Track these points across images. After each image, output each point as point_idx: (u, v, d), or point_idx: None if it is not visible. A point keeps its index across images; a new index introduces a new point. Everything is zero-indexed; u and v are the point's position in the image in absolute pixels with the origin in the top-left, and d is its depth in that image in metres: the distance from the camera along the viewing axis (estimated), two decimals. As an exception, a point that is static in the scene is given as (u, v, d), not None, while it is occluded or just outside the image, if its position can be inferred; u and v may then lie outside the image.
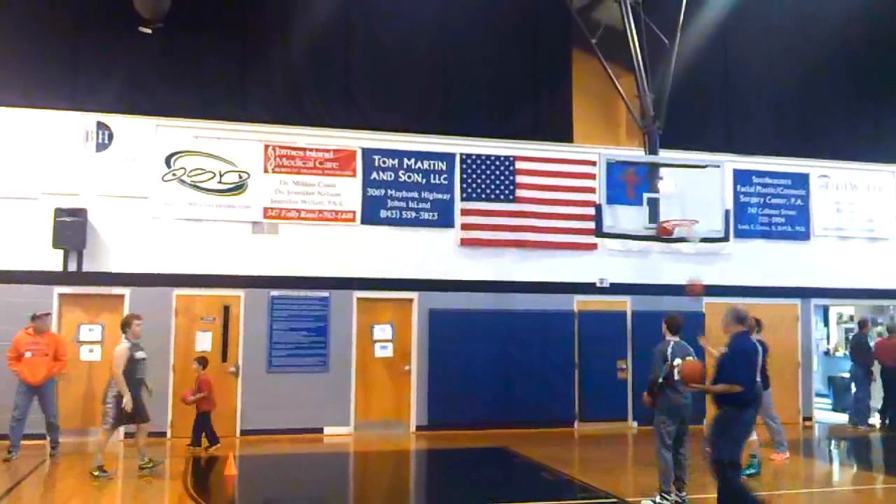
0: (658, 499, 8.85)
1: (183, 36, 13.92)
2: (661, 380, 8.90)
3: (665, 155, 15.50)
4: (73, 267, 13.13)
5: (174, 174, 13.80)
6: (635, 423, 14.91)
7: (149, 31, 13.50)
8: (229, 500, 9.78)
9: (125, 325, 10.63)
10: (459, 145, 15.07)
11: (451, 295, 14.62)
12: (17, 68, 13.32)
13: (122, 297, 13.36)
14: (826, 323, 20.08)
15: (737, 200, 16.31)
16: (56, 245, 12.92)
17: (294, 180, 14.28)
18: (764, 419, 10.83)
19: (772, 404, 11.42)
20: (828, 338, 20.03)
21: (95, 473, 10.13)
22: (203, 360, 12.85)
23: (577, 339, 15.09)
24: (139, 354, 10.55)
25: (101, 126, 13.60)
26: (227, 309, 13.79)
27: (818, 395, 16.94)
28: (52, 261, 13.04)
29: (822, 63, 16.77)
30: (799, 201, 16.73)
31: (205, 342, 13.65)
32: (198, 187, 13.87)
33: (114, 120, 13.64)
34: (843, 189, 16.96)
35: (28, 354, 11.45)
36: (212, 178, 13.94)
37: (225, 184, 13.99)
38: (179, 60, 13.98)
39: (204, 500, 9.15)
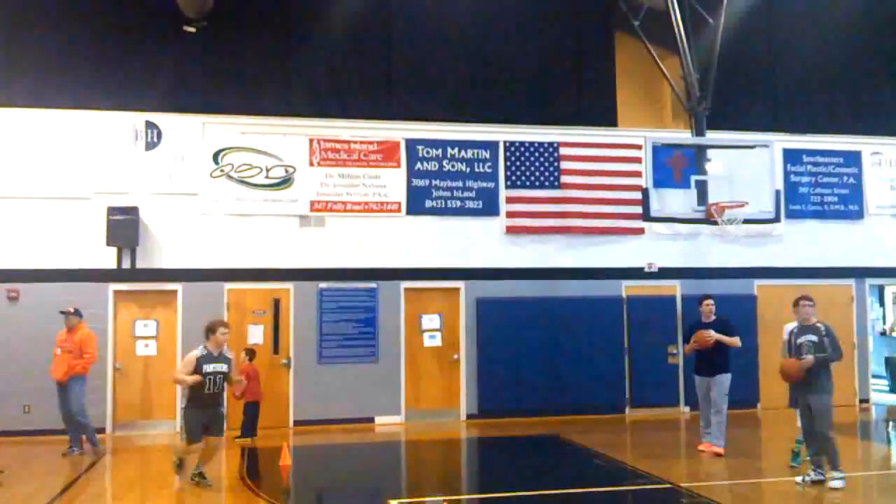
0: (838, 475, 8.90)
1: (226, 33, 14.13)
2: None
3: (712, 136, 15.31)
4: (126, 264, 13.41)
5: (222, 170, 13.99)
6: (687, 409, 14.78)
7: (193, 29, 13.75)
8: (284, 489, 9.92)
9: (209, 330, 9.45)
10: (503, 133, 15.03)
11: (497, 283, 14.63)
12: (66, 71, 13.62)
13: (175, 292, 13.62)
14: (882, 303, 19.67)
15: (787, 180, 16.02)
16: (110, 243, 13.22)
17: (339, 173, 14.39)
18: None
19: None
20: (883, 318, 19.61)
21: (194, 479, 9.44)
22: (250, 352, 13.08)
23: (626, 325, 15.00)
24: (210, 367, 9.26)
25: (149, 125, 13.84)
26: (276, 302, 13.97)
27: (874, 376, 16.60)
28: (107, 258, 13.34)
29: (872, 36, 16.40)
30: (851, 179, 16.38)
31: (256, 335, 13.86)
32: (245, 182, 14.05)
33: (162, 119, 13.87)
34: (896, 166, 16.57)
35: (58, 352, 11.44)
36: (259, 173, 14.11)
37: (272, 178, 14.15)
38: (224, 58, 14.17)
39: (259, 490, 9.29)
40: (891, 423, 14.53)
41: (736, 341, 10.95)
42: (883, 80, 16.51)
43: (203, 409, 9.31)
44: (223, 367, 9.35)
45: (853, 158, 16.42)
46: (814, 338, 9.06)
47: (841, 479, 8.90)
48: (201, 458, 9.51)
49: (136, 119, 13.80)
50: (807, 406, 9.13)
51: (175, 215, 13.76)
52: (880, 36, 16.42)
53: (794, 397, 9.92)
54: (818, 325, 9.28)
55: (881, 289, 19.10)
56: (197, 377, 9.12)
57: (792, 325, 9.94)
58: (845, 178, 16.35)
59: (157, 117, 13.87)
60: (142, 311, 13.64)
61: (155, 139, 13.89)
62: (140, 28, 13.96)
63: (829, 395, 9.10)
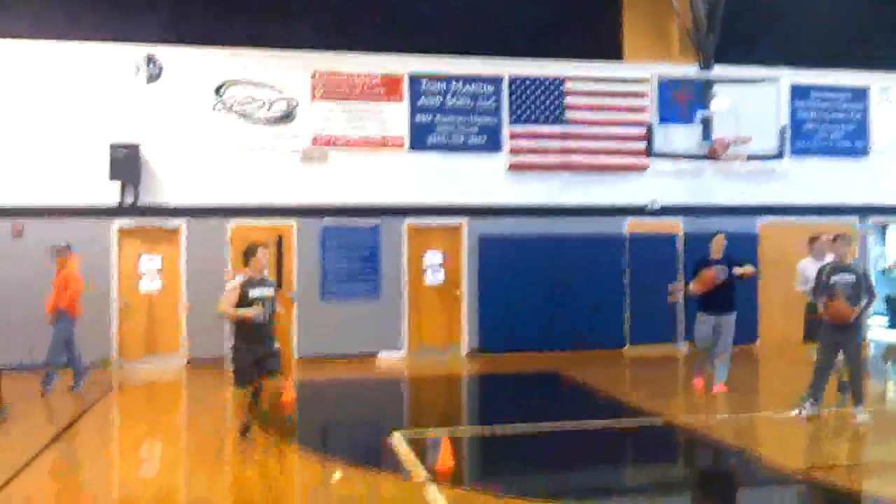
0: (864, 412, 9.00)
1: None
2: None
3: (719, 71, 15.15)
4: (129, 201, 13.40)
5: (224, 104, 13.89)
6: (685, 346, 14.91)
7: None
8: (288, 423, 10.09)
9: (248, 253, 8.37)
10: (507, 67, 14.84)
11: (500, 221, 14.64)
12: (66, 2, 13.41)
13: (178, 228, 13.66)
14: (884, 241, 19.63)
15: (793, 116, 15.87)
16: (112, 178, 13.17)
17: (341, 107, 14.28)
18: None
19: None
20: (885, 256, 19.60)
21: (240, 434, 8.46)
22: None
23: (628, 263, 15.03)
24: (256, 292, 8.19)
25: (150, 58, 13.69)
26: (280, 239, 14.00)
27: (874, 313, 16.68)
28: (110, 195, 13.32)
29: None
30: (858, 116, 16.21)
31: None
32: (247, 116, 13.96)
33: (163, 51, 13.71)
34: (905, 102, 16.37)
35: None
36: (261, 106, 14.00)
37: (274, 112, 14.06)
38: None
39: (262, 424, 9.45)
40: (889, 362, 14.65)
41: (749, 269, 10.89)
42: (890, 14, 16.17)
43: (256, 345, 8.20)
44: (270, 291, 8.32)
45: (861, 94, 16.23)
46: (851, 278, 9.00)
47: (868, 414, 8.96)
48: (244, 411, 8.41)
49: (137, 51, 13.64)
50: (835, 344, 9.12)
51: (177, 151, 13.70)
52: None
53: (810, 332, 9.96)
54: (854, 265, 9.21)
55: (884, 227, 19.03)
56: (258, 309, 8.05)
57: (809, 261, 9.93)
58: (852, 113, 16.19)
59: (158, 49, 13.71)
60: (145, 246, 13.69)
61: (156, 72, 13.75)
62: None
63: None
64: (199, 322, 13.39)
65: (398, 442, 8.41)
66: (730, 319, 10.79)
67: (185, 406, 11.49)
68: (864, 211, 15.99)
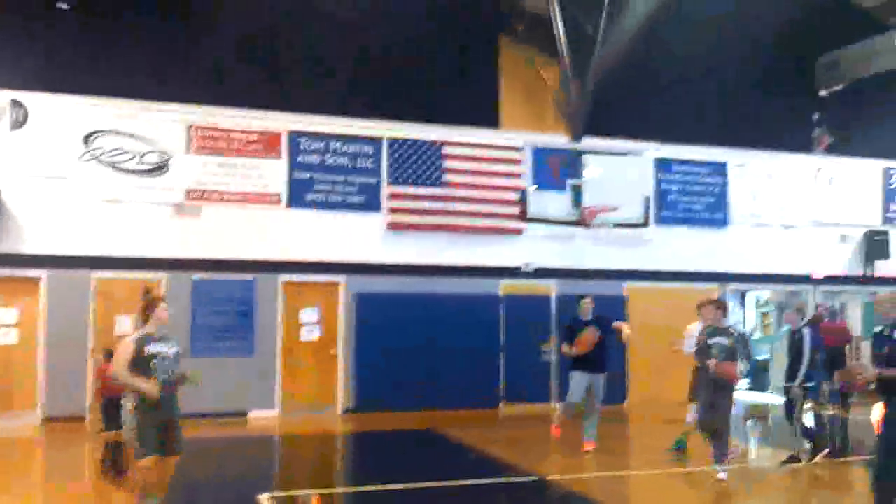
0: (722, 468, 9.21)
1: (102, 12, 13.57)
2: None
3: (589, 142, 15.83)
4: (-14, 248, 12.70)
5: (93, 154, 13.45)
6: (558, 405, 15.13)
7: (66, 6, 13.16)
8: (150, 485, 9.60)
9: (147, 307, 7.20)
10: (387, 129, 15.04)
11: (378, 279, 14.64)
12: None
13: (38, 279, 13.00)
14: (743, 306, 20.71)
15: (658, 187, 16.68)
16: (-31, 225, 12.49)
17: (217, 161, 14.06)
18: None
19: None
20: (744, 321, 20.66)
21: None
22: (109, 353, 12.55)
23: (503, 323, 15.28)
24: (154, 348, 6.96)
25: (15, 104, 13.16)
26: (148, 292, 13.47)
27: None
28: (-36, 242, 12.61)
29: (741, 56, 17.22)
30: (717, 189, 17.20)
31: (125, 326, 13.34)
32: (118, 168, 13.55)
33: (29, 97, 13.21)
34: (759, 177, 17.48)
35: None
36: (132, 158, 13.62)
37: (146, 164, 13.70)
38: (99, 37, 13.60)
39: (124, 484, 8.99)
40: (748, 422, 15.27)
41: (627, 330, 11.13)
42: (749, 96, 17.37)
43: (158, 409, 6.92)
44: (173, 349, 7.12)
45: (720, 169, 17.25)
46: (725, 341, 9.33)
47: (724, 471, 9.24)
48: (147, 484, 7.00)
49: (2, 96, 13.09)
50: (710, 403, 9.43)
51: (41, 199, 13.12)
52: (749, 53, 17.25)
53: (696, 391, 10.33)
54: (729, 328, 9.64)
55: (743, 294, 20.12)
56: (154, 388, 6.81)
57: (697, 325, 10.35)
58: (712, 187, 17.15)
59: (25, 95, 13.20)
60: (3, 298, 12.94)
61: (22, 118, 13.22)
62: (9, 1, 13.24)
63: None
64: (58, 378, 12.69)
65: (266, 503, 8.14)
66: (601, 378, 11.02)
67: (44, 467, 10.78)
68: (724, 277, 16.84)
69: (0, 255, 12.77)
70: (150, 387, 6.77)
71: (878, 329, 7.26)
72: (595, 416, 11.06)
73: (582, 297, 11.44)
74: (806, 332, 10.51)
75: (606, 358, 11.08)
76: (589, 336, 10.86)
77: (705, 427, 9.45)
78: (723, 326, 9.57)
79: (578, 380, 11.02)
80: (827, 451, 10.45)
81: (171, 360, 7.06)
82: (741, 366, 9.34)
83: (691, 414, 10.57)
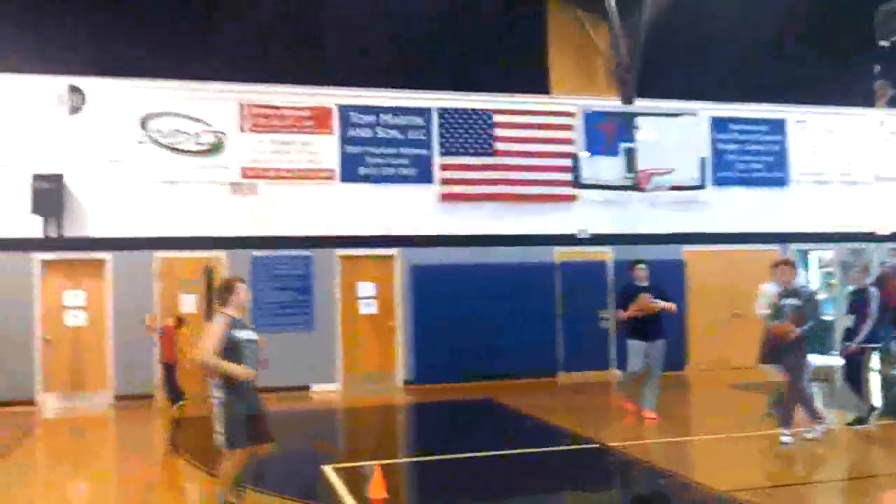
0: (820, 427, 9.21)
1: (153, -4, 13.75)
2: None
3: (641, 104, 15.59)
4: (52, 233, 13.06)
5: (149, 136, 13.70)
6: (618, 371, 15.11)
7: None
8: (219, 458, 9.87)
9: (227, 289, 6.94)
10: (436, 100, 15.01)
11: (432, 250, 14.70)
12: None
13: (103, 261, 13.36)
14: (806, 268, 20.30)
15: (714, 148, 16.38)
16: (34, 211, 12.84)
17: (271, 139, 14.23)
18: None
19: None
20: (807, 282, 20.25)
21: None
22: (179, 319, 12.89)
23: (560, 291, 15.23)
24: (243, 334, 6.76)
25: (73, 89, 13.46)
26: (209, 270, 13.80)
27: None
28: (32, 228, 12.97)
29: (797, 8, 16.71)
30: (776, 147, 16.82)
31: (189, 304, 13.69)
32: (174, 149, 13.79)
33: (86, 82, 13.49)
34: (819, 133, 17.05)
35: None
36: (188, 139, 13.86)
37: (201, 144, 13.92)
38: (151, 20, 13.76)
39: (193, 459, 9.25)
40: (813, 385, 15.02)
41: (674, 307, 10.95)
42: (807, 50, 16.88)
43: (251, 399, 6.76)
44: (255, 335, 6.91)
45: (778, 126, 16.87)
46: (797, 302, 9.24)
47: (822, 429, 9.21)
48: (235, 475, 6.85)
49: (59, 83, 13.40)
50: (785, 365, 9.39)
51: (102, 182, 13.44)
52: (805, 8, 16.75)
53: (768, 355, 10.21)
54: (801, 289, 9.53)
55: (805, 254, 19.70)
56: (251, 371, 6.71)
57: (770, 285, 10.25)
58: (770, 145, 16.79)
59: (82, 81, 13.49)
60: (70, 280, 13.35)
61: (79, 103, 13.51)
62: (63, -12, 13.50)
63: (802, 356, 9.31)
64: (127, 357, 13.08)
65: (332, 474, 8.31)
66: (659, 346, 10.90)
67: (116, 446, 11.16)
68: (784, 238, 16.52)
69: (66, 239, 13.13)
70: (244, 370, 6.59)
71: None
72: (655, 385, 10.98)
73: (637, 262, 11.28)
74: (872, 290, 10.31)
75: (662, 325, 10.93)
76: (643, 301, 10.75)
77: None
78: (794, 287, 9.45)
79: (636, 349, 10.95)
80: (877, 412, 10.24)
81: (256, 346, 6.86)
82: (805, 325, 9.17)
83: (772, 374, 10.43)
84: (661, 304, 10.76)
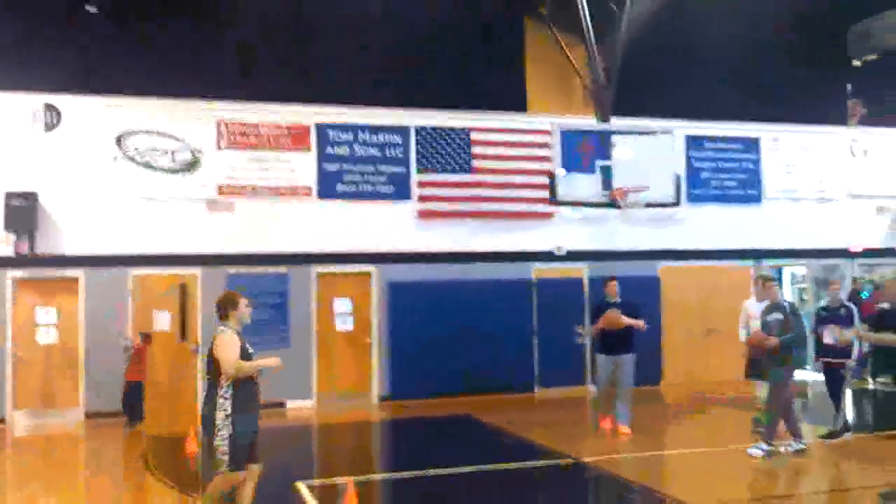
0: (796, 444, 9.32)
1: (130, 13, 13.78)
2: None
3: (617, 122, 15.71)
4: (25, 250, 12.95)
5: (125, 154, 13.65)
6: (593, 387, 15.10)
7: (95, 9, 13.34)
8: (191, 476, 9.79)
9: (228, 304, 6.84)
10: (414, 117, 15.07)
11: (409, 267, 14.70)
12: (-42, 49, 13.08)
13: (76, 279, 13.26)
14: (780, 284, 20.47)
15: (689, 166, 16.52)
16: (7, 228, 12.75)
17: (248, 156, 14.21)
18: None
19: None
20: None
21: None
22: (146, 336, 12.87)
23: (536, 307, 15.27)
24: (249, 347, 6.76)
25: (48, 107, 13.41)
26: (183, 288, 13.73)
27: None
28: (4, 245, 12.86)
29: (770, 29, 16.95)
30: (751, 165, 16.99)
31: (162, 321, 13.60)
32: (150, 166, 13.74)
33: (62, 100, 13.45)
34: (793, 151, 17.24)
35: None
36: (164, 156, 13.82)
37: (178, 162, 13.88)
38: (128, 38, 13.81)
39: (167, 479, 9.17)
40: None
41: (642, 324, 11.02)
42: (781, 70, 17.12)
43: (255, 413, 6.64)
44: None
45: (752, 145, 17.04)
46: (780, 316, 9.37)
47: (763, 451, 9.25)
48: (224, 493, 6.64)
49: (35, 100, 13.34)
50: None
51: (77, 200, 13.37)
52: (779, 27, 16.98)
53: (753, 370, 10.48)
54: (784, 303, 9.64)
55: (780, 270, 19.87)
56: (278, 361, 6.85)
57: (753, 301, 10.52)
58: (744, 163, 16.95)
59: (57, 98, 13.45)
60: (42, 298, 13.22)
61: (54, 121, 13.46)
62: (40, 7, 13.46)
63: (788, 370, 9.44)
64: (99, 375, 12.97)
65: (304, 490, 8.27)
66: (627, 360, 10.98)
67: (86, 464, 11.04)
68: (759, 254, 16.66)
69: (39, 257, 13.03)
70: (275, 360, 6.72)
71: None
72: (626, 399, 11.05)
73: (609, 279, 11.51)
74: (852, 306, 10.49)
75: (631, 339, 11.02)
76: (611, 316, 10.84)
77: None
78: (778, 302, 9.55)
79: (602, 362, 11.20)
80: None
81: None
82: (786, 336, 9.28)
83: (760, 390, 10.55)
84: (627, 320, 10.84)
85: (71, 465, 10.53)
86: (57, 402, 13.14)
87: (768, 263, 17.02)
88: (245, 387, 6.50)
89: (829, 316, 10.48)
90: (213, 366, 6.53)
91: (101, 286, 13.22)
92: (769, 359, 9.46)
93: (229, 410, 6.41)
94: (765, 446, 9.27)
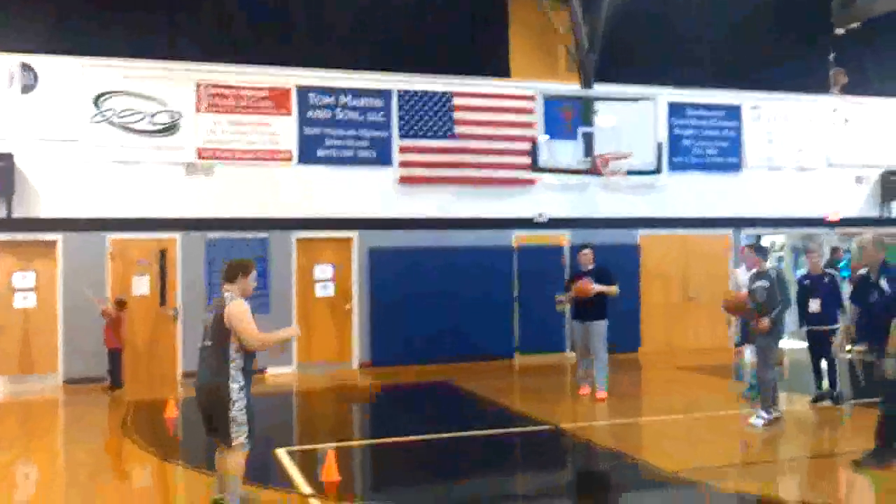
0: (767, 414, 9.31)
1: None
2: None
3: (600, 89, 15.66)
4: (2, 213, 12.81)
5: (103, 115, 13.46)
6: (572, 354, 15.19)
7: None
8: (170, 441, 9.82)
9: (241, 269, 6.55)
10: (396, 81, 14.94)
11: (390, 233, 14.67)
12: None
13: (54, 242, 13.14)
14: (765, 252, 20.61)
15: (671, 133, 16.51)
16: (-17, 191, 12.60)
17: (228, 119, 14.05)
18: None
19: None
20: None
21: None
22: (120, 302, 12.80)
23: (517, 274, 15.31)
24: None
25: (25, 67, 13.17)
26: (163, 253, 13.65)
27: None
28: (-20, 208, 12.73)
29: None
30: (732, 133, 17.00)
31: (142, 286, 13.54)
32: (128, 128, 13.57)
33: (39, 60, 13.21)
34: (774, 120, 17.26)
35: None
36: (143, 118, 13.64)
37: (157, 124, 13.71)
38: (105, -2, 13.56)
39: (145, 443, 9.18)
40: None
41: (613, 290, 11.13)
42: (763, 37, 17.09)
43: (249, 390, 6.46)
44: None
45: (734, 113, 17.04)
46: (766, 283, 9.46)
47: (765, 419, 9.29)
48: (226, 470, 6.48)
49: (11, 60, 13.09)
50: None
51: (54, 162, 13.20)
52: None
53: (744, 335, 10.66)
54: (770, 271, 9.70)
55: (758, 238, 19.99)
56: (297, 329, 6.99)
57: (743, 269, 10.70)
58: (726, 131, 16.97)
59: (34, 59, 13.21)
60: (19, 262, 13.10)
61: (31, 82, 13.23)
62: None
63: (774, 338, 9.48)
64: (77, 340, 12.91)
65: (285, 457, 8.31)
66: (599, 326, 11.14)
67: (64, 429, 11.02)
68: (738, 222, 16.74)
69: (16, 220, 12.90)
70: (294, 329, 6.84)
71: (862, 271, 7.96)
72: (602, 366, 11.20)
73: (582, 246, 11.75)
74: (835, 273, 10.60)
75: (603, 306, 11.18)
76: (581, 285, 10.98)
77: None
78: (764, 270, 9.65)
79: (577, 329, 11.51)
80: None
81: None
82: (774, 310, 9.39)
83: (748, 355, 10.80)
84: (598, 287, 10.97)
85: (48, 431, 10.50)
86: (35, 367, 13.08)
87: (747, 231, 17.12)
88: (250, 357, 6.37)
89: (811, 285, 10.58)
90: (222, 334, 6.25)
91: (80, 250, 13.12)
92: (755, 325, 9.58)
93: (242, 382, 6.28)
94: (765, 415, 9.34)
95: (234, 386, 6.22)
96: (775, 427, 9.32)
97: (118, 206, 13.40)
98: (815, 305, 10.38)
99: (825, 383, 10.57)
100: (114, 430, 10.10)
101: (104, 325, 12.52)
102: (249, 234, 14.01)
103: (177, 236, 13.69)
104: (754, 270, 9.86)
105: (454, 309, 14.66)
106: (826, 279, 10.49)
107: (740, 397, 10.92)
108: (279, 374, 13.94)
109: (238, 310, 6.25)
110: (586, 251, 11.51)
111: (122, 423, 10.30)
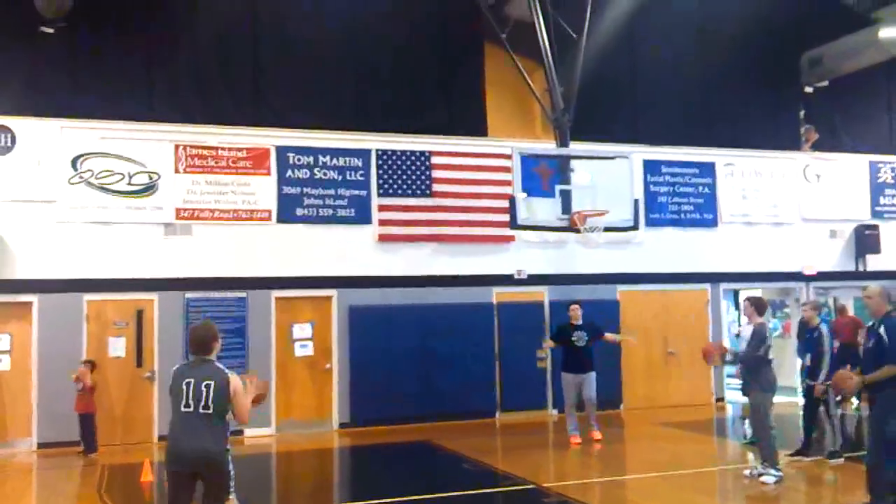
0: (774, 471, 9.19)
1: (86, 34, 13.58)
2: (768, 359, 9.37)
3: (576, 147, 15.88)
4: (-22, 275, 12.69)
5: (81, 177, 13.43)
6: (555, 411, 15.14)
7: (51, 30, 13.15)
8: (148, 507, 9.62)
9: (213, 337, 6.66)
10: (375, 141, 15.06)
11: (370, 291, 14.63)
12: None
13: (30, 304, 12.98)
14: (737, 306, 20.74)
15: (647, 190, 16.69)
16: (-41, 253, 12.48)
17: (207, 180, 14.06)
18: None
19: None
20: (738, 321, 20.68)
21: None
22: (89, 363, 12.62)
23: (497, 331, 15.27)
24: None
25: (2, 129, 13.17)
26: (140, 313, 13.52)
27: (729, 375, 17.47)
28: (-46, 270, 12.60)
29: (725, 55, 17.28)
30: (706, 189, 17.22)
31: (118, 348, 13.36)
32: (106, 189, 13.54)
33: (16, 122, 13.22)
34: (747, 176, 17.51)
35: None
36: (121, 179, 13.62)
37: (135, 185, 13.69)
38: (83, 60, 13.61)
39: (120, 508, 8.99)
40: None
41: (632, 340, 13.16)
42: (735, 95, 17.44)
43: None
44: None
45: (708, 169, 17.27)
46: (750, 337, 9.56)
47: (775, 476, 9.18)
48: None
49: (-11, 122, 13.12)
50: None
51: (31, 223, 13.11)
52: (731, 54, 17.31)
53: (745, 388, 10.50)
54: (756, 325, 9.69)
55: (735, 293, 20.16)
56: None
57: (745, 323, 10.90)
58: (701, 187, 17.18)
59: (11, 121, 13.21)
60: (-6, 323, 12.94)
61: (8, 143, 13.22)
62: (-7, 29, 13.27)
63: (766, 393, 9.40)
64: (52, 403, 12.67)
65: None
66: (593, 376, 12.01)
67: (37, 495, 10.76)
68: (715, 277, 16.86)
69: (-9, 282, 12.76)
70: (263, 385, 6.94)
71: (869, 323, 7.80)
72: (593, 411, 12.09)
73: (573, 302, 12.42)
74: (824, 328, 10.62)
75: (592, 358, 12.13)
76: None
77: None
78: (756, 322, 9.67)
79: (568, 381, 12.13)
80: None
81: None
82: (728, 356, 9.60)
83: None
84: (612, 337, 12.60)
85: (21, 497, 10.24)
86: (8, 432, 12.81)
87: (724, 286, 17.23)
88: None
89: (805, 339, 10.77)
90: (221, 403, 6.35)
91: (56, 312, 12.95)
92: (746, 376, 9.66)
93: (229, 447, 6.48)
94: (773, 471, 9.23)
95: (227, 452, 6.41)
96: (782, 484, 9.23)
97: (95, 267, 13.30)
98: (806, 360, 10.50)
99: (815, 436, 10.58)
100: (89, 495, 9.85)
101: (77, 390, 12.29)
102: (228, 294, 13.92)
103: (154, 297, 13.58)
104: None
105: (435, 367, 14.57)
106: (815, 333, 10.54)
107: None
108: (258, 434, 13.71)
109: (240, 385, 6.44)
110: (575, 306, 12.30)
111: (97, 487, 10.07)
